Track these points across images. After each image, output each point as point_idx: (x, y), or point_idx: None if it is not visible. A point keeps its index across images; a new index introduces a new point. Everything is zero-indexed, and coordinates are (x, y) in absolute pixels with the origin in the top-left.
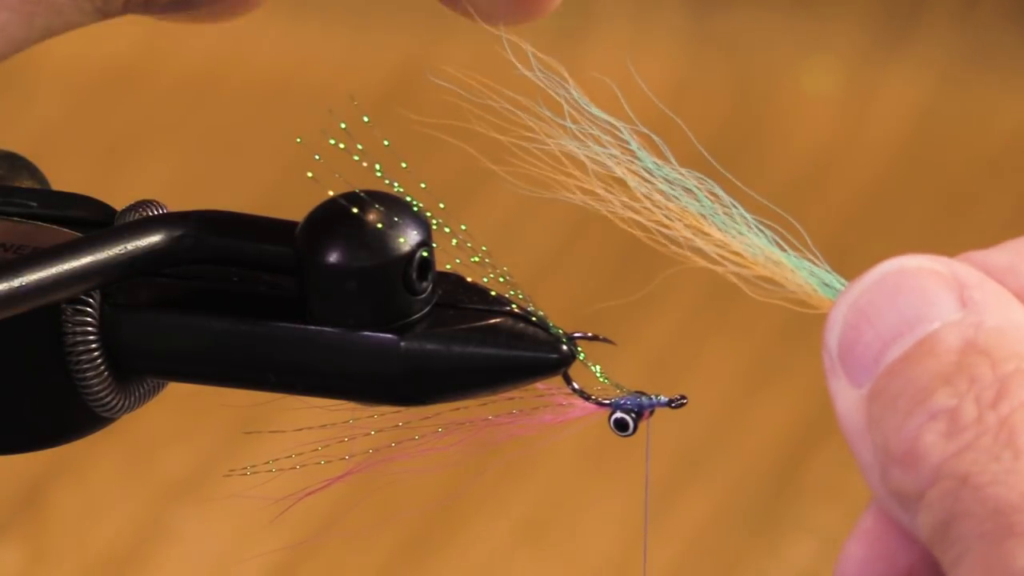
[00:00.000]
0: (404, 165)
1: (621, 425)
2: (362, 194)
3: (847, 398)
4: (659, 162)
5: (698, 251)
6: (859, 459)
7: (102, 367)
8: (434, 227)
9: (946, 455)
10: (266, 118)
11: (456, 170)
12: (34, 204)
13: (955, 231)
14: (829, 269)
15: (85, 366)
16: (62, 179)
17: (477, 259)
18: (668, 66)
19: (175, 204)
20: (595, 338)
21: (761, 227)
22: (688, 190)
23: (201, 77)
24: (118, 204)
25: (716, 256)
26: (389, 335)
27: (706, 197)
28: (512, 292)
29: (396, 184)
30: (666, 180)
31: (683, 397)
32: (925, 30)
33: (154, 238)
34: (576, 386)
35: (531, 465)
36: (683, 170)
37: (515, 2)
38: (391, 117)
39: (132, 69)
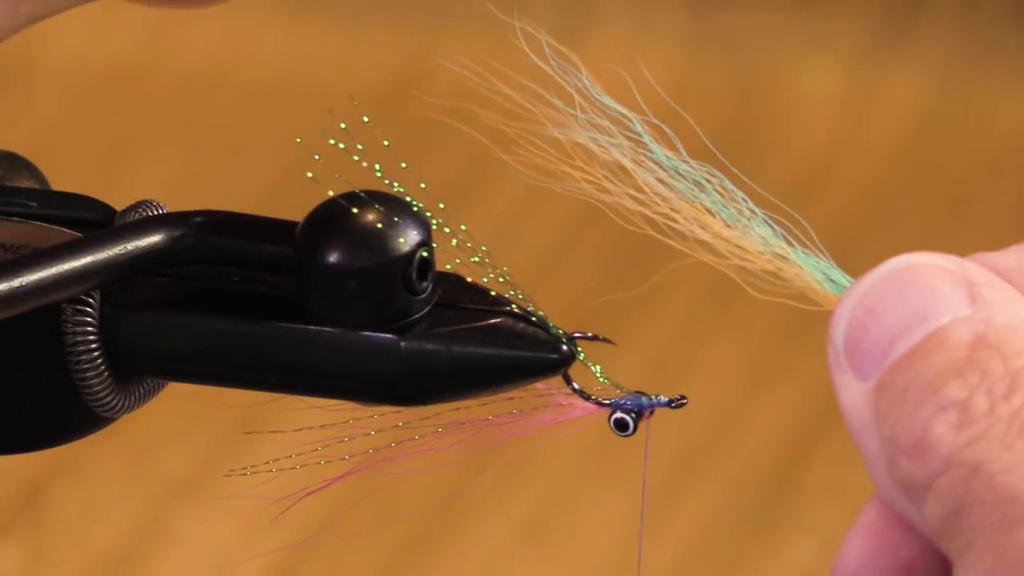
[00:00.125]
0: (404, 165)
1: (621, 425)
2: (362, 194)
3: (852, 392)
4: (670, 154)
5: (704, 245)
6: (864, 452)
7: (102, 367)
8: (434, 227)
9: (957, 445)
10: (266, 118)
11: (456, 170)
12: (34, 204)
13: (955, 231)
14: (835, 265)
15: (85, 366)
16: (62, 179)
17: (477, 259)
18: (668, 66)
19: (175, 204)
20: (595, 338)
21: (770, 222)
22: (697, 183)
23: (201, 77)
24: (118, 204)
25: (723, 251)
26: (389, 335)
27: (715, 190)
28: (512, 292)
29: (396, 184)
30: (676, 172)
31: (683, 397)
32: (925, 30)
33: (154, 238)
34: (576, 386)
35: (531, 465)
36: (694, 162)
37: None
38: (391, 117)
39: (132, 69)
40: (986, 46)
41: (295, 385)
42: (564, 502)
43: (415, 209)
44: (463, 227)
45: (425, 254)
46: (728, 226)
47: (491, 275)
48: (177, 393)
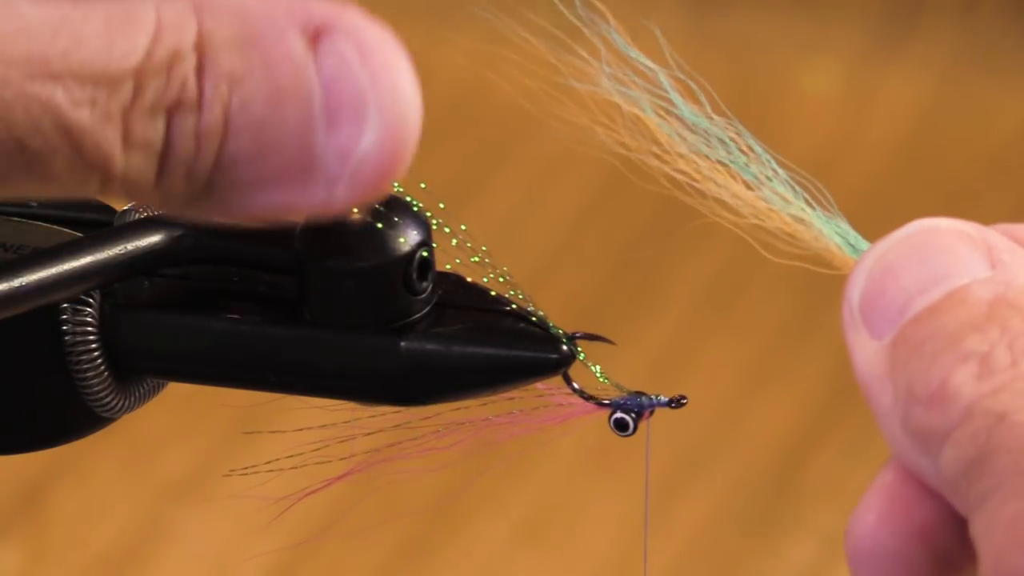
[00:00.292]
0: None
1: (621, 425)
2: None
3: (867, 349)
4: (696, 110)
5: (723, 204)
6: (877, 406)
7: (102, 367)
8: (434, 227)
9: (980, 394)
10: None
11: (456, 170)
12: (34, 204)
13: None
14: (854, 230)
15: (85, 366)
16: None
17: (477, 259)
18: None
19: None
20: (595, 338)
21: (792, 183)
22: (722, 140)
23: None
24: (118, 204)
25: (741, 210)
26: (389, 335)
27: (739, 149)
28: (512, 292)
29: (396, 184)
30: (700, 129)
31: (683, 397)
32: (925, 30)
33: (154, 238)
34: (576, 386)
35: (531, 465)
36: (719, 119)
37: None
38: None
39: None
40: (986, 46)
41: (295, 385)
42: (564, 502)
43: (415, 209)
44: (463, 227)
45: (425, 254)
46: (749, 187)
47: (491, 275)
48: (177, 393)
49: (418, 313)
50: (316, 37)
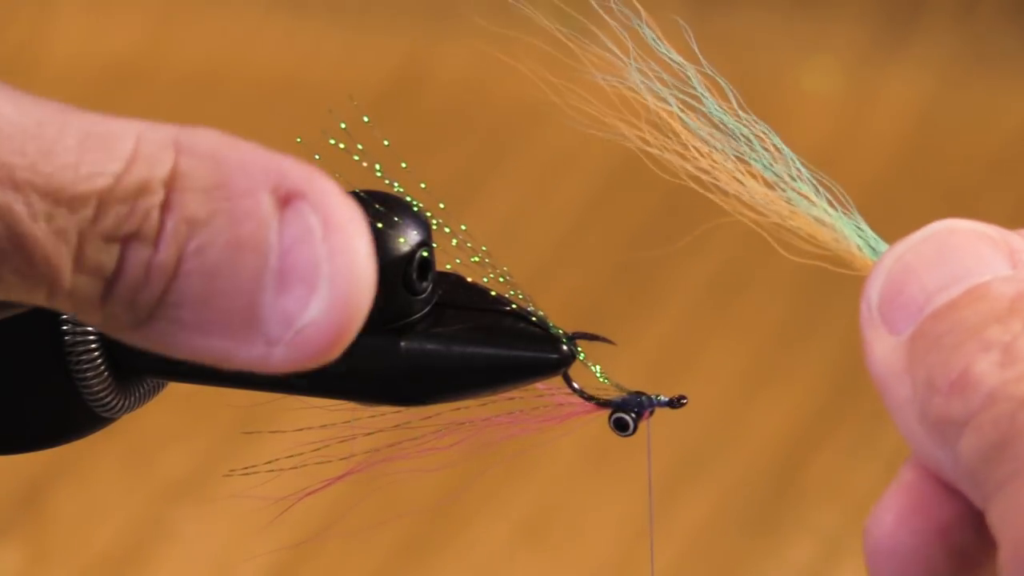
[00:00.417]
0: (404, 165)
1: (621, 425)
2: (362, 194)
3: (884, 345)
4: (722, 106)
5: (742, 202)
6: (893, 402)
7: (102, 367)
8: (434, 227)
9: (1003, 380)
10: (266, 117)
11: (456, 170)
12: None
13: None
14: (873, 232)
15: (85, 366)
16: None
17: (477, 259)
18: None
19: None
20: (595, 338)
21: (814, 182)
22: (746, 137)
23: (201, 76)
24: None
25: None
26: (389, 335)
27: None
28: (512, 292)
29: (396, 184)
30: (724, 126)
31: (683, 397)
32: (925, 30)
33: None
34: (576, 386)
35: (531, 465)
36: (745, 116)
37: None
38: (391, 117)
39: (132, 68)
40: (986, 46)
41: (295, 385)
42: (564, 503)
43: (415, 209)
44: (463, 227)
45: (425, 254)
46: (770, 186)
47: (491, 275)
48: (177, 393)
49: (418, 313)
50: (286, 201)
